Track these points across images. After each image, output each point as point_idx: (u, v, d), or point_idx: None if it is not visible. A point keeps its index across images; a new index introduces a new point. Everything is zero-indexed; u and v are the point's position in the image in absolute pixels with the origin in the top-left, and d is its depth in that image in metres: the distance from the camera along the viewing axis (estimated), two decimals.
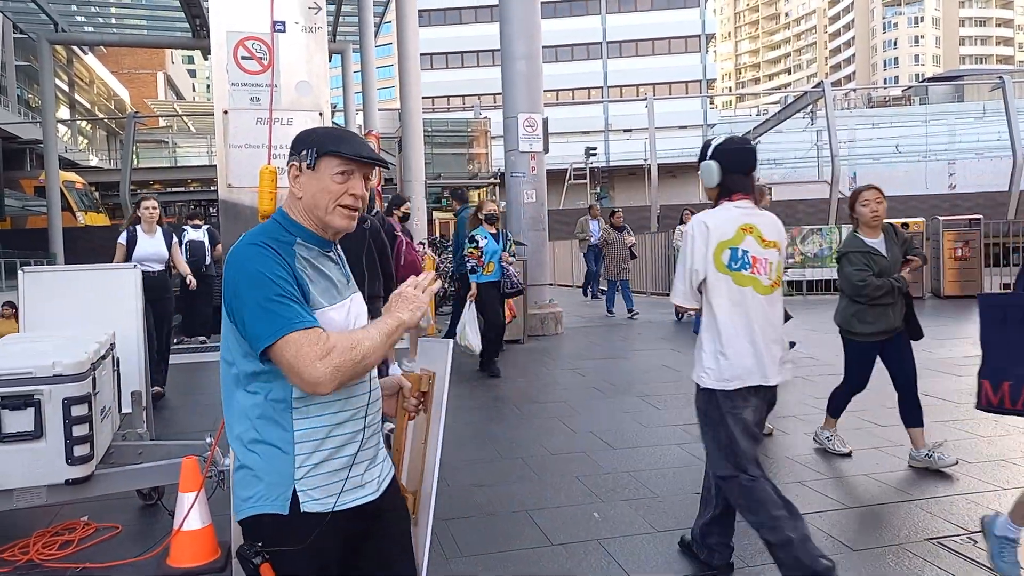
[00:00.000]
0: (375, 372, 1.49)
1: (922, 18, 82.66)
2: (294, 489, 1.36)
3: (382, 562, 1.51)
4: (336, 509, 1.38)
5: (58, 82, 28.18)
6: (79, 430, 2.83)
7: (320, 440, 1.38)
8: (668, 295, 9.93)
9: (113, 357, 3.52)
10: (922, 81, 55.23)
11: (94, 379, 2.98)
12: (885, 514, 3.23)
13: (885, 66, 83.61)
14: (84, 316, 3.81)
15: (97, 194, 26.71)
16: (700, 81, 49.11)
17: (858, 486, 3.58)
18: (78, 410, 2.82)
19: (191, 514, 2.79)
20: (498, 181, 24.29)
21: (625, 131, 37.01)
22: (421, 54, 14.07)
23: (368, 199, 1.53)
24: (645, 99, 22.94)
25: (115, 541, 3.16)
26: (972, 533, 2.98)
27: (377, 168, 1.52)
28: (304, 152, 1.43)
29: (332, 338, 1.31)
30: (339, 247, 1.53)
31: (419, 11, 13.98)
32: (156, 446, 3.53)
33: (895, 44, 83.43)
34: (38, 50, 16.23)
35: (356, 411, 1.41)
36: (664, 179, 29.14)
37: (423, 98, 15.36)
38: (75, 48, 30.47)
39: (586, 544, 3.01)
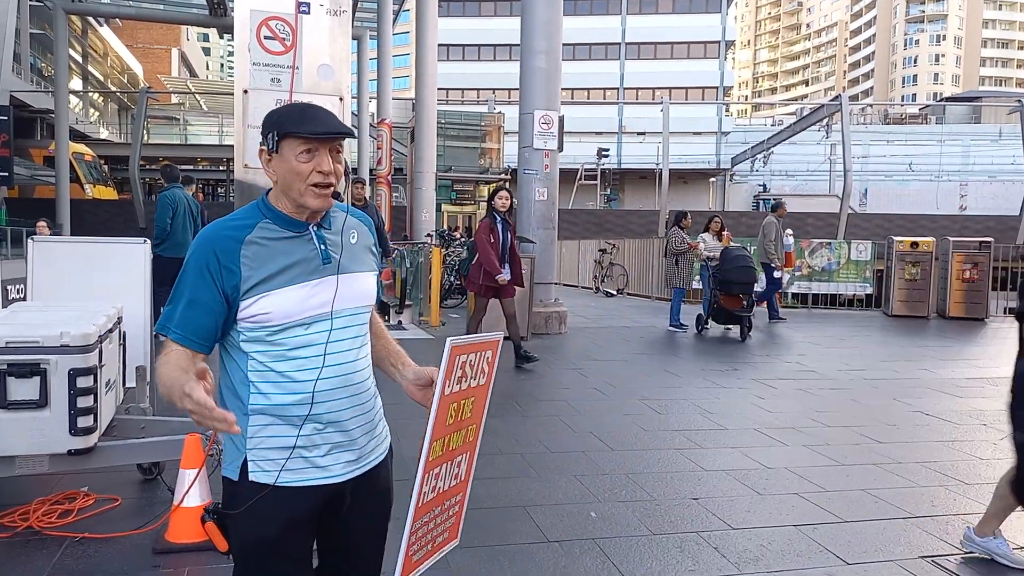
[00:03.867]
0: (348, 358, 1.49)
1: (944, 36, 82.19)
2: (245, 458, 1.45)
3: (341, 549, 1.57)
4: (280, 484, 1.43)
5: (72, 52, 28.21)
6: (83, 401, 2.84)
7: (270, 416, 1.44)
8: (670, 300, 9.83)
9: (120, 331, 3.53)
10: (940, 100, 54.97)
11: (100, 351, 2.99)
12: (881, 530, 3.23)
13: (903, 83, 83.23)
14: (92, 288, 3.82)
15: (106, 167, 26.76)
16: (717, 88, 48.91)
17: (855, 500, 3.57)
18: (83, 382, 2.84)
19: (191, 491, 2.80)
20: (509, 177, 24.25)
21: (639, 134, 36.91)
22: (438, 45, 14.04)
23: (342, 173, 1.52)
24: (661, 103, 22.86)
25: (114, 513, 3.18)
26: (967, 553, 2.98)
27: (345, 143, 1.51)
28: (268, 136, 1.45)
29: (161, 360, 1.40)
30: (327, 226, 1.52)
31: (439, 0, 13.93)
32: (159, 422, 3.54)
33: (915, 61, 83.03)
34: (53, 19, 16.25)
35: (305, 395, 1.43)
36: (675, 184, 29.09)
37: (438, 89, 15.30)
38: (90, 19, 30.46)
39: (582, 542, 3.01)
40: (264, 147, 1.46)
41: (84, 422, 2.85)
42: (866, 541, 3.11)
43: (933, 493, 3.69)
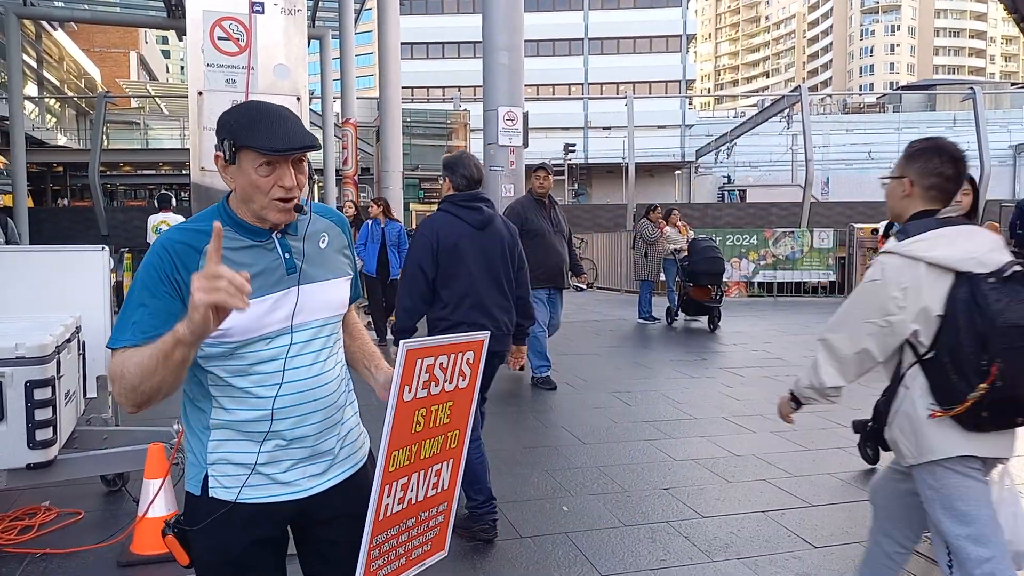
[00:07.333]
0: (312, 372, 1.40)
1: (898, 27, 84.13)
2: (206, 473, 1.41)
3: (326, 559, 1.52)
4: (240, 501, 1.39)
5: (26, 58, 27.33)
6: (42, 414, 2.77)
7: (231, 431, 1.39)
8: (638, 293, 9.88)
9: (79, 340, 3.45)
10: (896, 89, 56.28)
11: (59, 362, 2.92)
12: (847, 512, 3.31)
13: (861, 73, 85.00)
14: (49, 298, 3.72)
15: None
16: (680, 81, 49.39)
17: (822, 484, 3.65)
18: (41, 393, 2.76)
19: (156, 501, 2.76)
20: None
21: (604, 128, 37.10)
22: (402, 43, 13.94)
23: (305, 183, 1.39)
24: (625, 97, 23.03)
25: (77, 527, 3.11)
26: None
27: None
28: (222, 142, 1.34)
29: (114, 364, 1.27)
30: (292, 231, 1.42)
31: None
32: (122, 432, 3.47)
33: (871, 51, 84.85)
34: (5, 25, 15.68)
35: (266, 412, 1.36)
36: (641, 178, 29.34)
37: (403, 88, 15.19)
38: (44, 24, 29.59)
39: (554, 537, 3.03)
40: (219, 153, 1.35)
41: (43, 435, 2.77)
42: (833, 524, 3.19)
43: None
